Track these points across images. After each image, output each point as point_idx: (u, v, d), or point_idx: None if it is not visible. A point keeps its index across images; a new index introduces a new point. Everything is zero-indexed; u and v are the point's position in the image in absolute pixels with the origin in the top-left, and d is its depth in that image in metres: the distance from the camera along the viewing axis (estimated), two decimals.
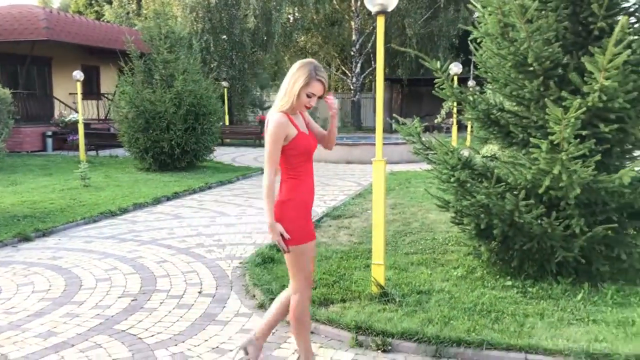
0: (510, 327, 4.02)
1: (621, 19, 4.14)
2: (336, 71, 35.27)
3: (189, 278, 5.45)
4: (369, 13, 31.63)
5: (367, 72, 32.73)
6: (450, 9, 29.63)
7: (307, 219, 3.24)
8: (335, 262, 5.68)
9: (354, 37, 30.94)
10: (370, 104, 34.98)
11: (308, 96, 3.13)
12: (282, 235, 3.12)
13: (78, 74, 14.44)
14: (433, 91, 5.56)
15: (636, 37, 4.61)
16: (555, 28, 4.85)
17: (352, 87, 32.51)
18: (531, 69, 4.86)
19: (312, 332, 4.11)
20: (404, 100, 33.75)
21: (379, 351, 3.83)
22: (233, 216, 8.39)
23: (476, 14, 5.46)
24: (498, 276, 5.15)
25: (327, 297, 4.66)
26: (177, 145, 13.11)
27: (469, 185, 4.95)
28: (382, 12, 4.44)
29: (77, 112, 17.21)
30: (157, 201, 9.49)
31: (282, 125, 3.09)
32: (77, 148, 15.76)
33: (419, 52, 5.50)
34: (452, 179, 4.96)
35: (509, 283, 4.95)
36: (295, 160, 3.17)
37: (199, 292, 5.05)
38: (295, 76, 3.13)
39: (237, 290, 5.10)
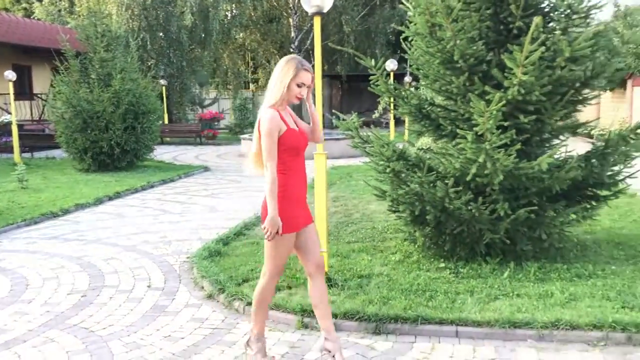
0: (443, 304, 4.36)
1: (535, 19, 4.55)
2: None
3: (137, 273, 5.55)
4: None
5: None
6: (386, 6, 30.29)
7: (293, 211, 3.35)
8: None
9: (292, 34, 31.12)
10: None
11: (298, 86, 3.31)
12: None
13: (10, 74, 14.04)
14: (369, 87, 5.87)
15: (550, 36, 5.05)
16: (479, 27, 5.23)
17: None
18: (457, 65, 5.23)
19: None
20: (344, 96, 34.26)
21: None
22: (177, 214, 8.47)
23: (409, 13, 5.78)
24: (432, 259, 5.50)
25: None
26: (117, 145, 12.99)
27: (403, 175, 5.29)
28: (319, 12, 4.70)
29: (9, 113, 16.70)
30: (99, 201, 9.43)
31: (274, 119, 3.24)
32: (10, 150, 15.31)
33: (356, 50, 5.82)
34: (388, 170, 5.29)
35: (443, 265, 5.32)
36: (284, 155, 3.30)
37: (148, 286, 5.18)
38: (283, 70, 3.31)
39: (186, 283, 5.25)
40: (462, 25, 5.12)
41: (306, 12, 27.26)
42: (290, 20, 31.19)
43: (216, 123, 25.10)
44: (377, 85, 5.74)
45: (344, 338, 3.99)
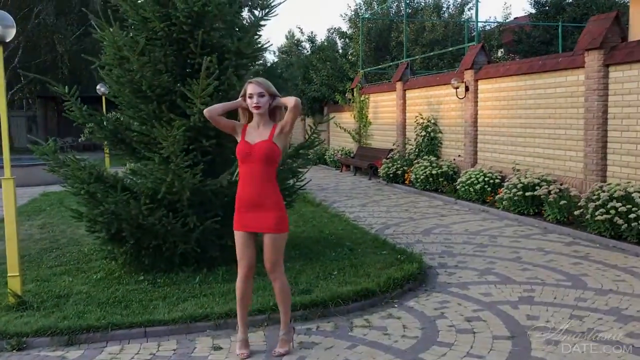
0: (137, 311, 4.81)
1: (206, 59, 5.35)
2: None
3: None
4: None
5: (16, 89, 30.31)
6: None
7: (239, 212, 4.01)
8: None
9: None
10: (22, 123, 32.50)
11: (250, 97, 3.92)
12: None
13: None
14: (64, 113, 6.05)
15: (227, 72, 5.91)
16: (164, 61, 5.86)
17: None
18: (147, 94, 5.78)
19: None
20: (61, 118, 32.31)
21: (14, 350, 4.21)
22: None
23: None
24: (134, 274, 5.90)
25: None
26: None
27: (99, 195, 5.61)
28: (0, 42, 4.79)
29: None
30: None
31: (236, 125, 4.08)
32: None
33: (73, 70, 5.96)
34: (83, 191, 5.56)
35: (142, 278, 5.76)
36: (238, 160, 4.03)
37: None
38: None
39: None
40: (149, 59, 5.70)
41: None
42: None
43: None
44: (72, 112, 5.97)
45: (35, 353, 4.18)
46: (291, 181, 6.73)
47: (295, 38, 32.22)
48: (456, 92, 11.90)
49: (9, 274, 4.99)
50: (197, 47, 5.80)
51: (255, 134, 4.02)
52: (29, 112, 32.43)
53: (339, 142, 19.90)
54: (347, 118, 18.63)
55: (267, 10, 6.37)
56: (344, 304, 4.96)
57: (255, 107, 3.96)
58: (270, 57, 34.27)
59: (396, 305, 5.10)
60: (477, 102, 11.56)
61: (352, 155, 17.71)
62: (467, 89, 11.69)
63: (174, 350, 4.24)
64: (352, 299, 5.03)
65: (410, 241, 7.65)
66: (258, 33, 6.36)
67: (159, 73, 5.80)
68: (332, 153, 19.17)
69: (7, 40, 4.81)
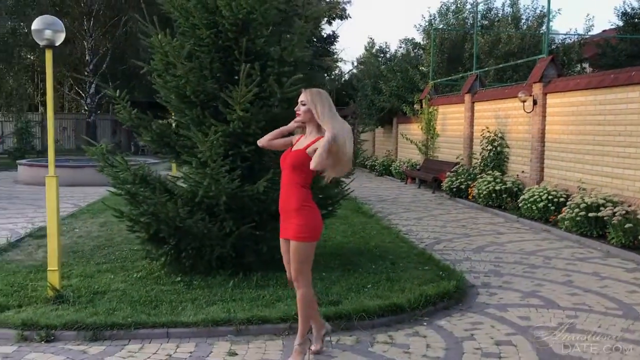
0: (164, 311, 4.89)
1: (244, 65, 5.39)
2: (69, 91, 33.78)
3: None
4: (104, 34, 31.26)
5: (103, 93, 32.01)
6: None
7: (282, 219, 4.07)
8: (22, 276, 5.98)
9: (87, 57, 30.08)
10: (107, 125, 34.21)
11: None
12: None
13: None
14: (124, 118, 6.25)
15: (268, 78, 5.94)
16: (210, 67, 5.97)
17: (86, 108, 31.47)
18: (192, 100, 5.90)
19: None
20: None
21: (43, 342, 4.38)
22: None
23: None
24: (173, 274, 6.02)
25: (3, 305, 5.00)
26: None
27: (140, 197, 5.76)
28: (50, 45, 5.03)
29: None
30: None
31: (293, 140, 4.13)
32: None
33: None
34: (124, 192, 5.73)
35: (179, 279, 5.86)
36: None
37: None
38: None
39: None
40: (194, 65, 5.81)
41: (102, 35, 26.30)
42: (85, 43, 30.13)
43: None
44: (121, 114, 6.18)
45: (60, 346, 4.32)
46: (334, 190, 6.65)
47: (375, 49, 32.20)
48: (523, 105, 11.42)
49: (49, 268, 5.21)
50: (241, 55, 5.86)
51: (301, 142, 4.02)
52: (114, 116, 34.17)
53: (406, 154, 19.61)
54: (415, 130, 18.33)
55: (315, 20, 6.35)
56: (369, 318, 4.82)
57: (297, 114, 4.02)
58: (347, 68, 34.34)
59: (425, 323, 4.91)
60: (545, 116, 11.04)
61: (417, 167, 17.38)
62: (535, 102, 11.19)
63: (191, 353, 4.26)
64: (378, 313, 4.88)
65: (459, 258, 7.37)
66: (333, 45, 6.34)
67: (204, 79, 5.91)
68: (398, 165, 18.91)
69: (57, 45, 5.06)
